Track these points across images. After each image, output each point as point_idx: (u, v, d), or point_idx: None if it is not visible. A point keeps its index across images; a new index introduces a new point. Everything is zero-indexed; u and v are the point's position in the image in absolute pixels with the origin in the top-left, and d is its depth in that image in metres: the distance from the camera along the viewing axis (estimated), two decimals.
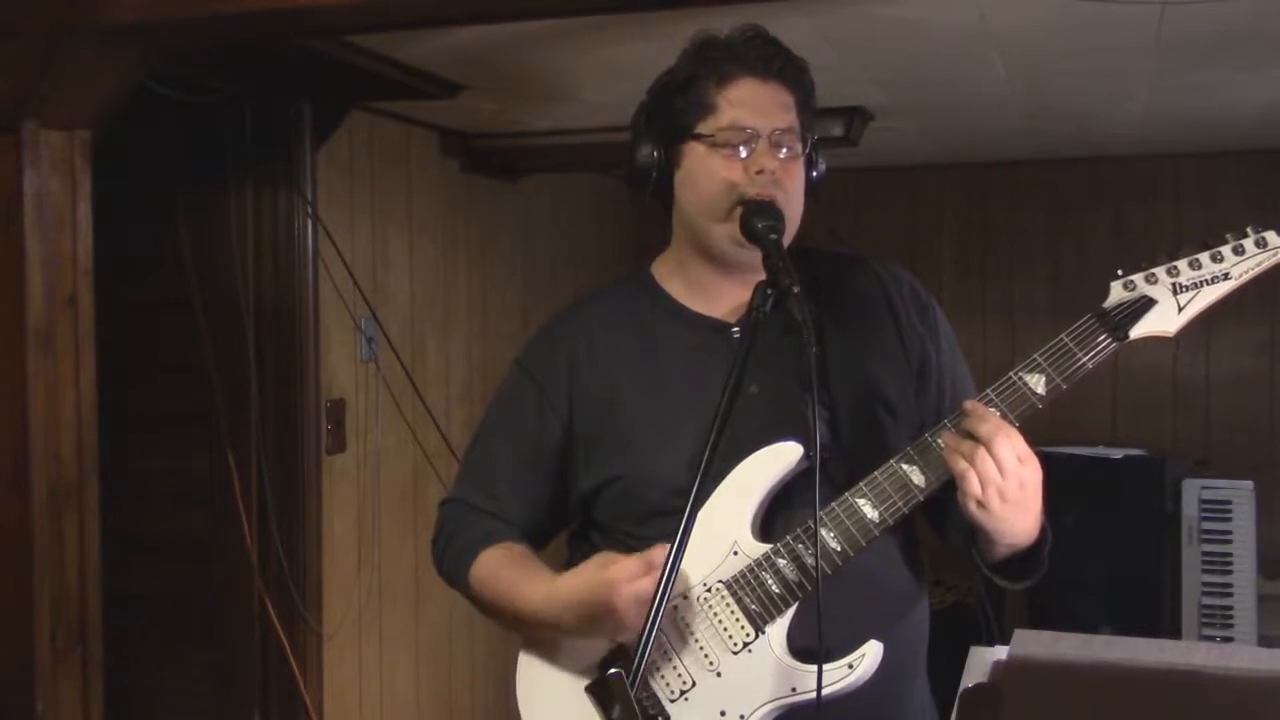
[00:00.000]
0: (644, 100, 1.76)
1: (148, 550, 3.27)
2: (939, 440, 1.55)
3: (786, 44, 1.70)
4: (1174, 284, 1.51)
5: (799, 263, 1.62)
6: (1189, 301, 1.50)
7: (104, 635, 2.32)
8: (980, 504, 1.49)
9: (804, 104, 1.70)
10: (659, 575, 1.43)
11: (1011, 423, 1.52)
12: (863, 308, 1.75)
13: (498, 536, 1.78)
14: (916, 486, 1.55)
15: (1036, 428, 1.56)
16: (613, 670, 1.41)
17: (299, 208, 3.18)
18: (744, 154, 1.64)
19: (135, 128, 2.52)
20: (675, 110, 1.68)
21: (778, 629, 1.59)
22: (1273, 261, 1.49)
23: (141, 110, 2.42)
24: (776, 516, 1.63)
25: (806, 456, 1.59)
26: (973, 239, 5.13)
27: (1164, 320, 1.51)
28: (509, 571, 1.73)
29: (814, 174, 1.72)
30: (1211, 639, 4.16)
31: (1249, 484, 4.27)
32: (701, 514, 1.52)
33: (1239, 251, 1.49)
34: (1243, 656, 1.42)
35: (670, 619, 1.61)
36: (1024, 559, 1.60)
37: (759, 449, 1.61)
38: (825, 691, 1.51)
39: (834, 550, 1.56)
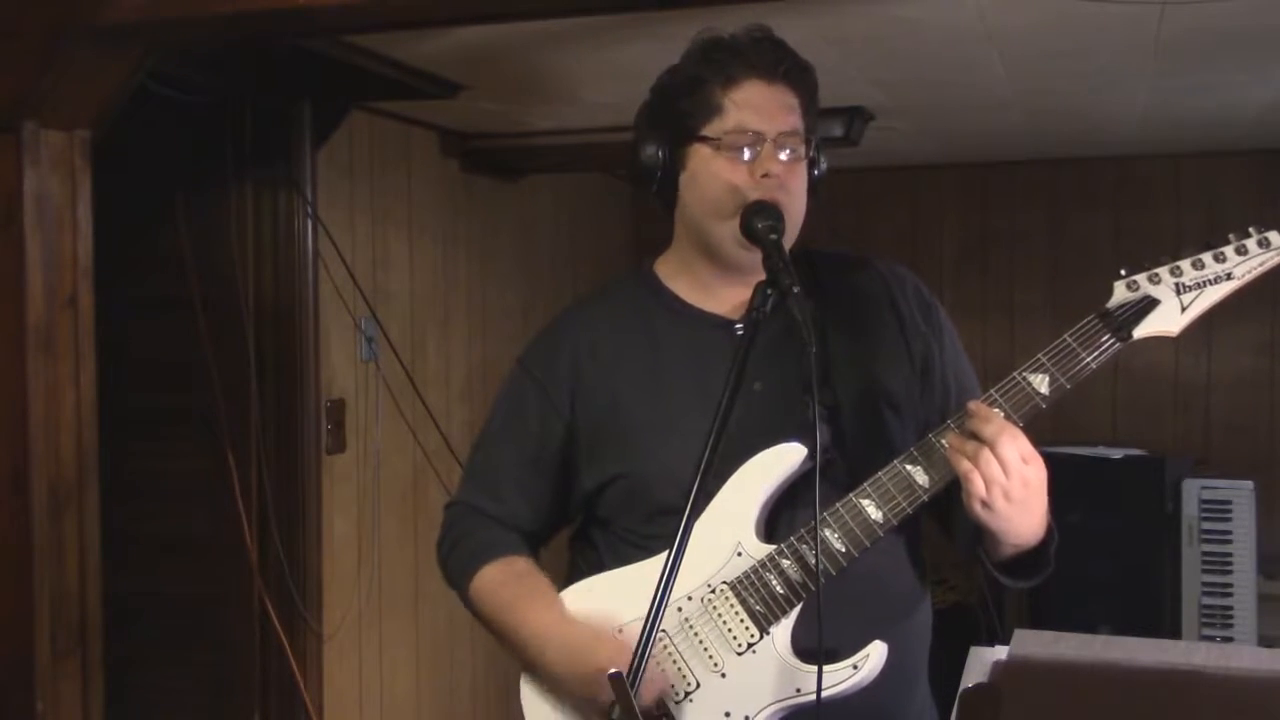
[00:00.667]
0: (648, 99, 1.76)
1: (148, 550, 3.26)
2: (943, 440, 1.55)
3: (786, 44, 1.70)
4: (1177, 284, 1.50)
5: (802, 263, 1.62)
6: (1192, 301, 1.50)
7: (104, 635, 2.32)
8: (985, 504, 1.50)
9: (809, 106, 1.70)
10: (660, 576, 1.43)
11: (1015, 423, 1.52)
12: (866, 307, 1.75)
13: (501, 549, 1.78)
14: (920, 487, 1.55)
15: (1038, 428, 1.55)
16: (613, 670, 1.40)
17: (299, 208, 3.18)
18: (749, 156, 1.64)
19: (135, 128, 2.52)
20: (681, 112, 1.68)
21: (782, 630, 1.59)
22: (1275, 261, 1.48)
23: (141, 110, 2.42)
24: (780, 517, 1.64)
25: (810, 457, 1.58)
26: (973, 239, 5.13)
27: (1167, 320, 1.51)
28: (509, 590, 1.74)
29: (815, 173, 1.72)
30: (1211, 639, 4.16)
31: (1249, 484, 4.27)
32: (705, 515, 1.53)
33: (1242, 251, 1.48)
34: (1243, 656, 1.42)
35: (674, 620, 1.61)
36: (1031, 558, 1.60)
37: (762, 447, 1.61)
38: (830, 692, 1.51)
39: (838, 551, 1.56)
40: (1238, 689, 1.34)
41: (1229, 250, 1.49)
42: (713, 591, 1.61)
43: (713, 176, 1.66)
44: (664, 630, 1.58)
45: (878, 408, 1.69)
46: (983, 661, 1.49)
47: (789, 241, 1.64)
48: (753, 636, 1.59)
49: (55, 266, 2.19)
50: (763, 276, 1.57)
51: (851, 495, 1.57)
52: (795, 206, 1.67)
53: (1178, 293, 1.50)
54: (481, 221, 4.16)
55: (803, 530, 1.58)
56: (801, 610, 1.58)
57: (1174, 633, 4.21)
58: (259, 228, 3.19)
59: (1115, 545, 4.14)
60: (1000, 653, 1.49)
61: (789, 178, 1.65)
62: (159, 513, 3.28)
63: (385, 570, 3.63)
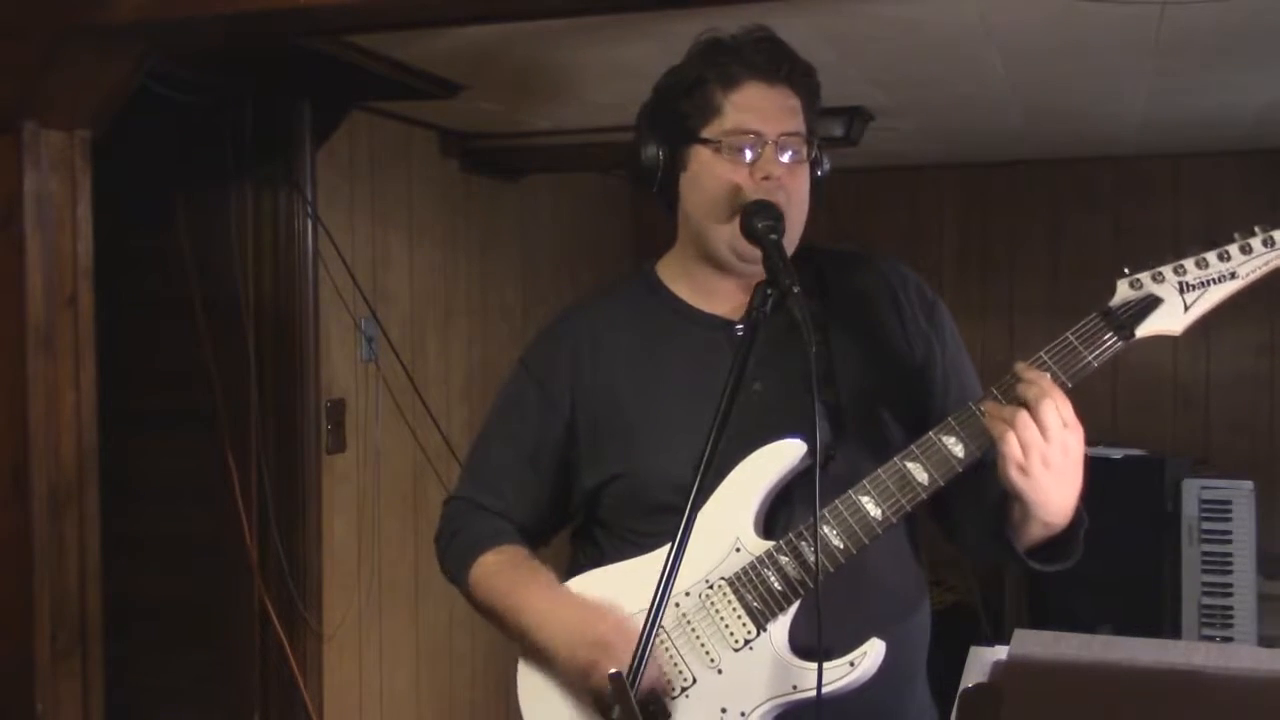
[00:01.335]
0: (649, 100, 1.76)
1: (148, 550, 3.26)
2: (942, 436, 1.54)
3: (788, 45, 1.70)
4: (1180, 283, 1.50)
5: (804, 262, 1.62)
6: (1195, 301, 1.50)
7: (104, 635, 2.32)
8: (1022, 469, 1.46)
9: (810, 107, 1.70)
10: (661, 574, 1.43)
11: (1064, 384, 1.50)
12: (868, 306, 1.75)
13: (500, 538, 1.78)
14: (920, 485, 1.55)
15: None
16: (613, 670, 1.41)
17: (299, 208, 3.18)
18: (749, 158, 1.64)
19: (135, 128, 2.52)
20: (681, 113, 1.68)
21: (780, 626, 1.59)
22: None
23: (141, 110, 2.42)
24: (779, 514, 1.64)
25: (810, 454, 1.58)
26: (973, 239, 5.13)
27: (1170, 319, 1.50)
28: (506, 576, 1.73)
29: (818, 175, 1.72)
30: (1211, 639, 4.16)
31: (1249, 484, 4.27)
32: (704, 511, 1.53)
33: (1246, 250, 1.48)
34: (1243, 656, 1.41)
35: (672, 616, 1.61)
36: (1060, 542, 1.57)
37: (762, 446, 1.61)
38: (826, 689, 1.50)
39: (836, 548, 1.56)
40: (1238, 689, 1.34)
41: (1233, 249, 1.48)
42: (711, 588, 1.61)
43: (713, 178, 1.66)
44: (662, 626, 1.57)
45: (878, 406, 1.69)
46: (983, 661, 1.49)
47: (790, 244, 1.64)
48: (750, 633, 1.59)
49: (55, 266, 2.20)
50: (763, 277, 1.57)
51: (851, 492, 1.57)
52: (796, 208, 1.67)
53: (1181, 292, 1.50)
54: (481, 221, 4.16)
55: (801, 527, 1.58)
56: (799, 607, 1.58)
57: (1174, 633, 4.21)
58: (259, 228, 3.19)
59: (1115, 545, 4.12)
60: (1000, 653, 1.49)
61: (790, 180, 1.65)
62: (159, 513, 3.28)
63: (385, 570, 3.62)
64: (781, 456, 1.61)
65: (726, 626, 1.60)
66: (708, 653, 1.61)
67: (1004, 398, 1.51)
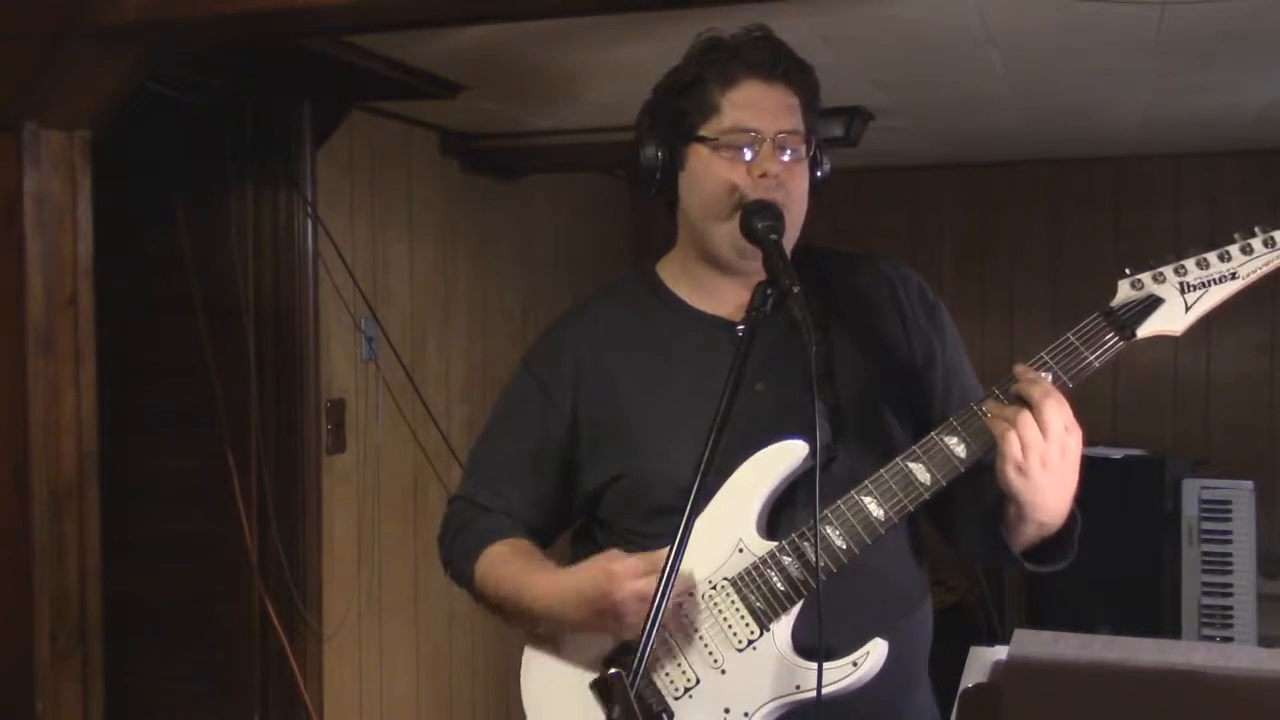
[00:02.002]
0: (649, 100, 1.76)
1: (148, 550, 3.26)
2: (944, 436, 1.55)
3: (786, 44, 1.70)
4: (1181, 283, 1.50)
5: (805, 262, 1.61)
6: (1196, 301, 1.50)
7: (104, 635, 2.32)
8: (1020, 468, 1.47)
9: (809, 106, 1.70)
10: (660, 575, 1.43)
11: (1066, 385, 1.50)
12: (870, 306, 1.75)
13: (503, 532, 1.78)
14: (922, 484, 1.55)
15: None
16: (613, 671, 1.41)
17: (299, 208, 3.18)
18: (748, 156, 1.64)
19: (135, 128, 2.52)
20: (679, 112, 1.68)
21: (782, 626, 1.59)
22: None
23: (141, 110, 2.42)
24: (781, 514, 1.64)
25: (811, 454, 1.58)
26: (973, 239, 5.13)
27: (1171, 319, 1.51)
28: (513, 564, 1.73)
29: (818, 174, 1.72)
30: (1211, 639, 4.16)
31: (1249, 484, 4.27)
32: (706, 511, 1.53)
33: (1248, 251, 1.48)
34: (1243, 656, 1.41)
35: (675, 616, 1.61)
36: (1054, 543, 1.57)
37: (764, 447, 1.61)
38: (829, 689, 1.51)
39: (839, 548, 1.56)
40: (1238, 689, 1.34)
41: (1234, 249, 1.48)
42: (714, 588, 1.61)
43: (711, 176, 1.66)
44: (665, 626, 1.58)
45: (880, 406, 1.69)
46: (983, 661, 1.49)
47: (790, 242, 1.64)
48: (753, 633, 1.59)
49: (55, 266, 2.20)
50: (763, 277, 1.57)
51: (853, 492, 1.57)
52: (795, 207, 1.67)
53: (1182, 292, 1.50)
54: (481, 221, 4.16)
55: (804, 527, 1.58)
56: (802, 607, 1.58)
57: (1174, 633, 4.21)
58: (259, 228, 3.19)
59: (1115, 545, 4.13)
60: (1000, 653, 1.49)
61: (789, 178, 1.65)
62: (159, 513, 3.29)
63: (385, 570, 3.62)
64: (783, 457, 1.61)
65: (730, 627, 1.60)
66: (711, 653, 1.61)
67: (1005, 398, 1.52)
